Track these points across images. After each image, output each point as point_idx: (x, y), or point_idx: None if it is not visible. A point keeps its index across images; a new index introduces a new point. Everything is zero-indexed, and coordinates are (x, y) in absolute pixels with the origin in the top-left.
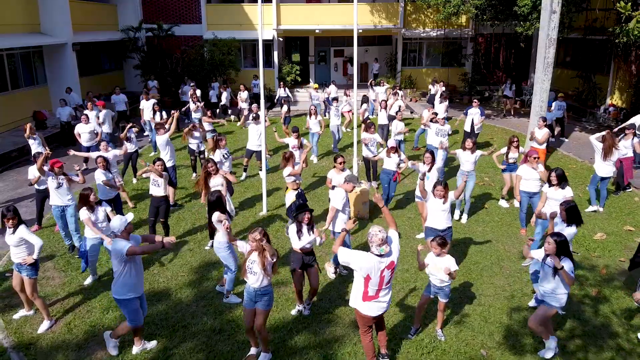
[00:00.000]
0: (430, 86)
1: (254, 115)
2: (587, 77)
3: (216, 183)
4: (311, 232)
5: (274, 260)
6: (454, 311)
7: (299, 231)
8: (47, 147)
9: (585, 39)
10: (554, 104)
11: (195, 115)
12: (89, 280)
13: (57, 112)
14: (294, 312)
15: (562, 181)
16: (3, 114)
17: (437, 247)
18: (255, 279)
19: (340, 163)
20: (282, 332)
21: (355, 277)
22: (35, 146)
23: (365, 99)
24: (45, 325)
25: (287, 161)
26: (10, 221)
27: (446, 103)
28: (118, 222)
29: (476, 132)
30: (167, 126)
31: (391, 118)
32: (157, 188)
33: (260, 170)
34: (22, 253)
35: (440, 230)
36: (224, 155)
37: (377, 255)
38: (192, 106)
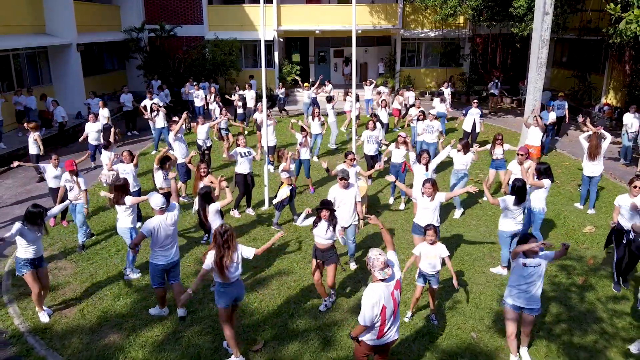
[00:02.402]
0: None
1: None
2: (583, 76)
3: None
4: (330, 229)
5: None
6: (446, 298)
7: (315, 225)
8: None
9: (581, 39)
10: (554, 103)
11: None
12: (134, 275)
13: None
14: (322, 308)
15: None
16: (9, 113)
17: (428, 234)
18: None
19: (351, 160)
20: (284, 317)
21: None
22: (33, 146)
23: (357, 98)
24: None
25: (280, 158)
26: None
27: (443, 103)
28: (160, 199)
29: (477, 131)
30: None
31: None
32: (165, 182)
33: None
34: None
35: None
36: (241, 154)
37: (381, 280)
38: (212, 106)
